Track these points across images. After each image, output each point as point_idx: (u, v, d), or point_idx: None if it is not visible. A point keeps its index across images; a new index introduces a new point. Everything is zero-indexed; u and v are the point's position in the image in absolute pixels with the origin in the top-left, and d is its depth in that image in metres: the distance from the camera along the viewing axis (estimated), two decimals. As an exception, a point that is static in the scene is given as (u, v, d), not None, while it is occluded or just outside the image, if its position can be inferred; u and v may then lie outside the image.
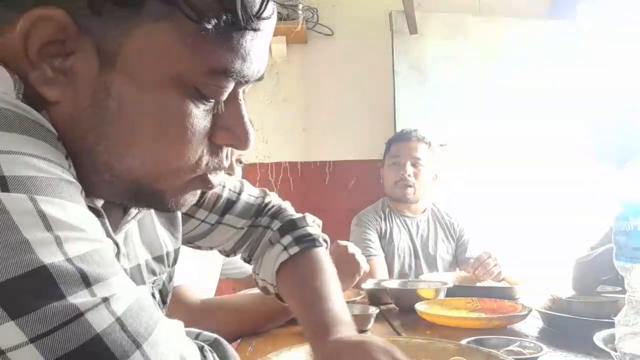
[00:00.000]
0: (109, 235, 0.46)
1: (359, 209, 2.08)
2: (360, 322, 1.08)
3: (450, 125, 2.56)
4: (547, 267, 1.90)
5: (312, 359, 0.72)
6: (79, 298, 0.33)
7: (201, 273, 1.35)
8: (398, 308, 1.32)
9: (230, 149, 0.50)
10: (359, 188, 2.76)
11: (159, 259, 0.65)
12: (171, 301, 0.87)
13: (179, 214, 0.71)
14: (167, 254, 0.66)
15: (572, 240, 2.06)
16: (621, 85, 2.55)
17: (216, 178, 0.50)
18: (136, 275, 0.59)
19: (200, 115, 0.45)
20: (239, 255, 0.91)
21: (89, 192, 0.46)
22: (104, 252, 0.36)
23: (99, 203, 0.50)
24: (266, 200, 0.88)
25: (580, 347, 0.87)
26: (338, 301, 0.75)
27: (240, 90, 0.48)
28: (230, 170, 1.45)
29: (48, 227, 0.33)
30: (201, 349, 0.43)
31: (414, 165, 1.96)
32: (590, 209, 2.25)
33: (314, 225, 0.87)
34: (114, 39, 0.41)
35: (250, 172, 2.67)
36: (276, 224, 0.85)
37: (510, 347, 0.85)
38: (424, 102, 2.60)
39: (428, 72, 2.63)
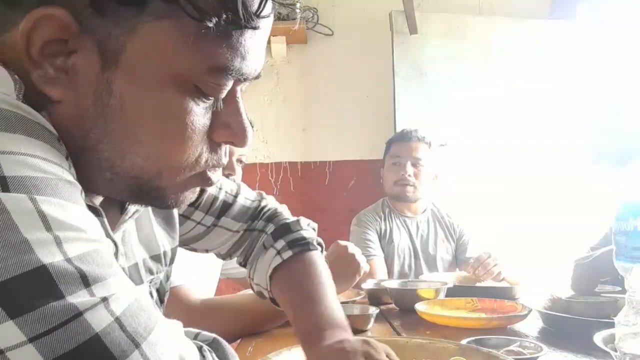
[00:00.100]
0: (108, 234, 0.46)
1: (359, 209, 2.08)
2: (360, 322, 1.08)
3: (450, 125, 2.56)
4: (547, 267, 1.91)
5: None
6: (78, 298, 0.33)
7: (201, 273, 1.35)
8: (398, 308, 1.32)
9: (228, 146, 0.50)
10: (359, 188, 2.76)
11: (156, 258, 0.65)
12: (171, 301, 0.88)
13: (176, 213, 0.71)
14: (164, 253, 0.67)
15: (572, 240, 2.06)
16: (621, 86, 2.55)
17: (215, 175, 0.50)
18: (134, 274, 0.60)
19: (200, 113, 0.46)
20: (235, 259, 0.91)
21: (90, 189, 0.46)
22: (103, 252, 0.36)
23: (98, 201, 0.50)
24: (262, 204, 0.88)
25: (580, 347, 0.87)
26: (331, 304, 0.74)
27: (239, 88, 0.49)
28: (230, 170, 1.45)
29: (48, 227, 0.33)
30: (200, 348, 0.43)
31: (414, 165, 1.96)
32: (590, 209, 2.25)
33: (308, 228, 0.86)
34: (116, 38, 0.41)
35: (250, 172, 2.67)
36: (270, 228, 0.84)
37: (510, 347, 0.85)
38: (424, 102, 2.60)
39: (428, 72, 2.63)
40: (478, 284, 1.49)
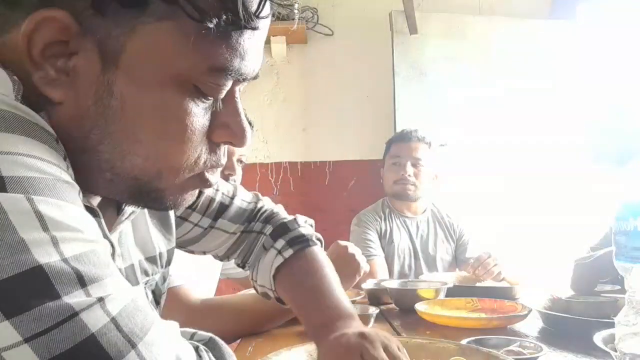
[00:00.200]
0: (105, 235, 0.46)
1: (359, 209, 2.08)
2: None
3: (450, 125, 2.56)
4: (547, 267, 1.91)
5: (314, 357, 0.73)
6: (74, 298, 0.33)
7: (201, 273, 1.35)
8: (398, 308, 1.32)
9: (227, 146, 0.50)
10: (359, 188, 2.76)
11: (151, 260, 0.65)
12: (171, 301, 0.88)
13: (172, 215, 0.72)
14: (160, 254, 0.67)
15: (572, 240, 2.06)
16: (621, 86, 2.55)
17: (213, 177, 0.51)
18: (130, 275, 0.60)
19: (199, 113, 0.46)
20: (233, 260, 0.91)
21: (89, 190, 0.47)
22: (100, 253, 0.36)
23: (95, 202, 0.50)
24: (259, 205, 0.88)
25: (580, 347, 0.87)
26: (337, 296, 0.76)
27: (237, 89, 0.49)
28: (231, 171, 1.45)
29: (44, 227, 0.33)
30: (196, 348, 0.43)
31: (414, 165, 1.96)
32: (590, 209, 2.25)
33: (305, 225, 0.87)
34: (117, 39, 0.41)
35: (250, 172, 2.67)
36: (268, 229, 0.85)
37: (510, 347, 0.85)
38: (424, 102, 2.60)
39: (428, 72, 2.63)
40: (478, 284, 1.49)
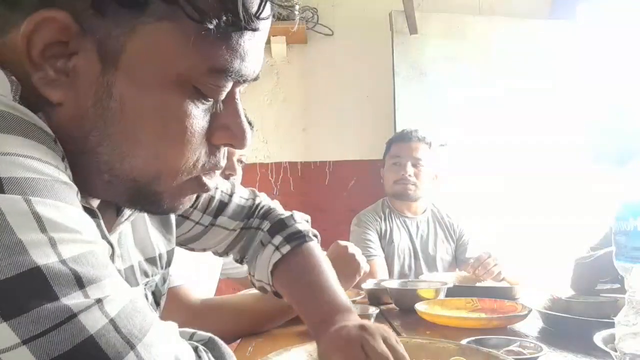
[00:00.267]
0: (104, 236, 0.46)
1: (359, 209, 2.08)
2: (360, 322, 1.08)
3: (450, 125, 2.56)
4: (547, 267, 1.91)
5: (314, 357, 0.73)
6: (73, 299, 0.32)
7: (201, 273, 1.35)
8: (398, 308, 1.32)
9: (227, 148, 0.50)
10: (359, 188, 2.76)
11: (151, 261, 0.65)
12: (171, 301, 0.88)
13: (172, 216, 0.72)
14: (160, 255, 0.67)
15: (572, 240, 2.06)
16: (621, 86, 2.55)
17: (211, 181, 0.50)
18: (130, 276, 0.60)
19: (199, 115, 0.45)
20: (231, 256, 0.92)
21: (88, 192, 0.46)
22: (98, 254, 0.36)
23: (95, 203, 0.50)
24: (256, 202, 0.89)
25: (580, 347, 0.86)
26: (335, 291, 0.77)
27: (237, 90, 0.49)
28: (231, 171, 1.46)
29: (42, 229, 0.33)
30: (195, 349, 0.43)
31: (414, 165, 1.96)
32: (590, 209, 2.25)
33: (302, 221, 0.88)
34: (117, 39, 0.41)
35: (250, 172, 2.67)
36: (266, 225, 0.86)
37: (510, 347, 0.84)
38: (424, 102, 2.60)
39: (428, 72, 2.63)
40: (478, 284, 1.49)
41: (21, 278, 0.31)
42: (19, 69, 0.40)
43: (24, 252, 0.32)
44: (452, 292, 1.33)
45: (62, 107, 0.42)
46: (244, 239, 0.88)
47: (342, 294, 0.77)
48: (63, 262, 0.33)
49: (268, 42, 2.70)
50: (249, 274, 0.89)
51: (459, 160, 2.51)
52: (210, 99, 0.46)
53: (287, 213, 0.89)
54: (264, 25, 0.46)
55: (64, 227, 0.34)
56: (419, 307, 1.16)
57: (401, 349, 0.64)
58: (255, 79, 0.48)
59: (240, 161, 1.51)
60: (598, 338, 0.79)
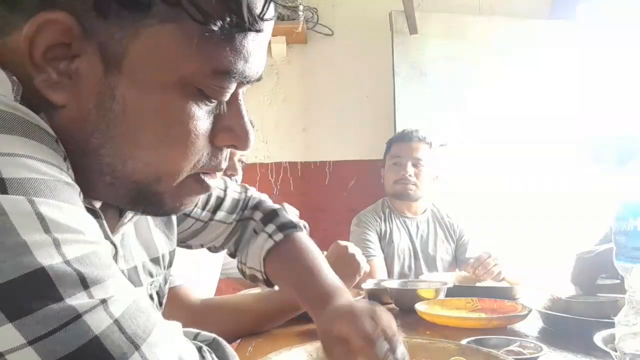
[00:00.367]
0: (107, 236, 0.46)
1: (359, 209, 2.08)
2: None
3: (450, 125, 2.56)
4: (547, 267, 1.91)
5: (314, 357, 0.73)
6: (77, 300, 0.32)
7: (201, 273, 1.35)
8: (398, 308, 1.32)
9: (230, 150, 0.50)
10: (359, 188, 2.76)
11: (155, 261, 0.65)
12: (171, 301, 0.88)
13: (174, 216, 0.72)
14: (163, 255, 0.67)
15: (571, 240, 2.06)
16: (620, 86, 2.55)
17: (213, 180, 0.50)
18: (133, 277, 0.60)
19: (203, 117, 0.45)
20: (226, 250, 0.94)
21: (89, 193, 0.46)
22: (102, 254, 0.36)
23: (97, 204, 0.50)
24: (248, 194, 0.92)
25: (580, 347, 0.87)
26: (330, 273, 0.79)
27: (241, 91, 0.49)
28: (233, 171, 1.46)
29: (46, 229, 0.33)
30: (199, 349, 0.43)
31: (415, 165, 1.95)
32: (590, 210, 2.25)
33: (292, 213, 0.91)
34: (120, 41, 0.41)
35: (250, 172, 2.67)
36: (258, 215, 0.89)
37: (510, 347, 0.85)
38: (424, 102, 2.59)
39: (428, 72, 2.63)
40: (478, 284, 1.49)
41: (26, 279, 0.31)
42: (21, 70, 0.40)
43: (28, 253, 0.32)
44: (452, 292, 1.33)
45: (65, 109, 0.42)
46: (239, 231, 0.90)
47: (335, 277, 0.79)
48: (67, 262, 0.33)
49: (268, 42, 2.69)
50: (239, 262, 0.90)
51: (459, 160, 2.51)
52: (213, 101, 0.46)
53: (277, 205, 0.92)
54: (267, 26, 0.46)
55: (68, 227, 0.34)
56: (419, 307, 1.16)
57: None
58: (258, 79, 0.48)
59: (240, 161, 1.52)
60: (598, 338, 0.79)
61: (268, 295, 1.10)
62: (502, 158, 2.57)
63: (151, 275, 0.64)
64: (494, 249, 1.58)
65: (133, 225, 0.61)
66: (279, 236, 0.84)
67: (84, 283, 0.33)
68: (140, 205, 0.48)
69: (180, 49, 0.42)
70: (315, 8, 2.75)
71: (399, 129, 2.37)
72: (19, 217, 0.32)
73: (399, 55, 2.60)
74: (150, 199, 0.47)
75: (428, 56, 2.63)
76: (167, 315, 0.42)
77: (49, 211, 0.34)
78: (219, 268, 1.54)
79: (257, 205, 0.91)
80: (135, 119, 0.43)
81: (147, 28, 0.41)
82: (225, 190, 0.87)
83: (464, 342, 0.83)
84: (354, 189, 2.78)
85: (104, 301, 0.34)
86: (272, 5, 0.45)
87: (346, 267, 1.19)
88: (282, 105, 2.82)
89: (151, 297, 0.65)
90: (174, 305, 1.02)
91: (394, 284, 1.46)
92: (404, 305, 1.28)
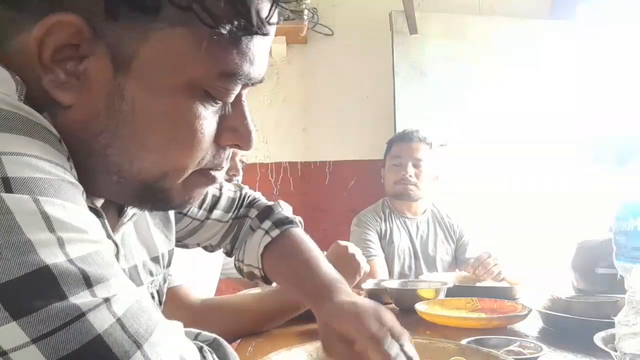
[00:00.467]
0: (109, 236, 0.46)
1: (359, 209, 2.08)
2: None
3: (450, 125, 2.56)
4: (547, 267, 1.90)
5: (314, 357, 0.73)
6: (81, 298, 0.33)
7: (201, 273, 1.35)
8: (398, 308, 1.32)
9: (232, 150, 0.51)
10: (359, 188, 2.76)
11: (155, 260, 0.66)
12: (171, 301, 0.88)
13: (172, 215, 0.73)
14: (162, 255, 0.68)
15: (571, 240, 2.06)
16: (620, 86, 2.55)
17: (219, 173, 0.51)
18: (134, 276, 0.60)
19: (209, 118, 0.46)
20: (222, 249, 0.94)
21: (94, 192, 0.47)
22: (105, 253, 0.37)
23: (99, 204, 0.50)
24: (243, 192, 0.93)
25: (580, 347, 0.87)
26: (326, 266, 0.80)
27: (244, 92, 0.50)
28: (235, 171, 1.46)
29: (50, 228, 0.33)
30: (200, 349, 0.43)
31: (415, 166, 1.95)
32: (589, 210, 2.25)
33: (287, 210, 0.92)
34: (130, 43, 0.42)
35: (250, 172, 2.67)
36: (253, 212, 0.90)
37: (510, 347, 0.85)
38: (424, 102, 2.59)
39: (428, 72, 2.63)
40: (478, 284, 1.49)
41: (30, 277, 0.31)
42: (26, 70, 0.41)
43: (32, 251, 0.32)
44: (452, 292, 1.34)
45: (71, 110, 0.42)
46: (234, 229, 0.91)
47: (332, 269, 0.80)
48: (71, 261, 0.33)
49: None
50: (236, 259, 0.91)
51: (458, 160, 2.51)
52: (219, 102, 0.47)
53: (271, 202, 0.93)
54: (272, 30, 0.47)
55: (72, 226, 0.35)
56: (419, 307, 1.16)
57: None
58: (261, 81, 0.49)
59: (240, 161, 1.51)
60: (598, 338, 0.79)
61: (268, 295, 1.10)
62: (502, 158, 2.57)
63: (151, 274, 0.65)
64: (494, 249, 1.58)
65: (133, 224, 0.61)
66: (275, 232, 0.84)
67: (88, 282, 0.34)
68: (147, 202, 0.49)
69: (190, 52, 0.43)
70: (315, 8, 2.75)
71: (399, 129, 2.37)
72: (24, 215, 0.32)
73: (399, 55, 2.60)
74: (158, 196, 0.48)
75: (428, 56, 2.63)
76: (167, 315, 0.42)
77: (53, 210, 0.34)
78: (219, 268, 1.54)
79: (252, 203, 0.92)
80: (144, 119, 0.43)
81: (156, 31, 0.42)
82: (220, 189, 0.88)
83: (464, 342, 0.83)
84: (354, 189, 2.78)
85: (107, 300, 0.34)
86: (278, 9, 0.46)
87: (346, 267, 1.18)
88: (282, 105, 2.82)
89: (152, 296, 0.65)
90: (174, 305, 1.02)
91: (394, 284, 1.46)
92: (404, 305, 1.28)
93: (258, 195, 0.95)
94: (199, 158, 0.47)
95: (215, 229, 0.88)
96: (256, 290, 1.23)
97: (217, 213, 0.87)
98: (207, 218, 0.86)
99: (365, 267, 1.22)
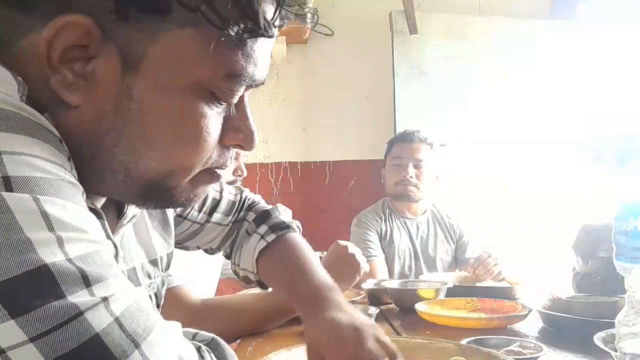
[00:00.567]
0: (108, 236, 0.46)
1: (359, 209, 2.08)
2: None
3: (450, 125, 2.56)
4: (547, 267, 1.90)
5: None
6: (79, 297, 0.33)
7: (201, 273, 1.35)
8: (398, 308, 1.32)
9: (235, 149, 0.52)
10: (359, 188, 2.76)
11: (153, 263, 0.66)
12: (171, 301, 0.88)
13: (171, 218, 0.73)
14: (161, 257, 0.68)
15: (571, 240, 2.05)
16: (620, 86, 2.55)
17: (223, 170, 0.52)
18: (132, 278, 0.60)
19: (215, 118, 0.47)
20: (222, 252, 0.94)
21: (99, 191, 0.48)
22: (104, 253, 0.37)
23: (99, 204, 0.50)
24: (243, 196, 0.93)
25: (580, 347, 0.87)
26: (321, 273, 0.79)
27: (246, 94, 0.50)
28: (241, 172, 1.46)
29: (50, 227, 0.33)
30: (198, 349, 0.43)
31: (416, 166, 1.95)
32: (589, 210, 2.25)
33: (285, 214, 0.91)
34: (139, 44, 0.42)
35: (250, 172, 2.66)
36: (251, 216, 0.90)
37: (510, 347, 0.85)
38: (424, 102, 2.59)
39: (428, 72, 2.62)
40: (478, 284, 1.49)
41: (29, 276, 0.31)
42: (33, 71, 0.41)
43: (32, 250, 0.32)
44: (452, 292, 1.34)
45: (79, 109, 0.43)
46: (234, 232, 0.91)
47: (327, 276, 0.79)
48: (70, 260, 0.33)
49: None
50: (233, 263, 0.91)
51: (459, 161, 2.51)
52: (223, 103, 0.47)
53: (270, 206, 0.93)
54: (276, 32, 0.48)
55: (71, 226, 0.35)
56: (419, 307, 1.16)
57: (392, 345, 0.65)
58: (263, 83, 0.50)
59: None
60: (598, 338, 0.79)
61: (268, 295, 1.10)
62: (502, 158, 2.57)
63: (149, 277, 0.65)
64: (494, 249, 1.58)
65: (132, 226, 0.62)
66: (271, 237, 0.84)
67: (86, 281, 0.34)
68: (152, 200, 0.49)
69: (198, 53, 0.43)
70: (315, 8, 2.74)
71: (399, 129, 2.37)
72: (24, 214, 0.33)
73: (399, 55, 2.60)
74: (164, 194, 0.48)
75: (428, 56, 2.63)
76: (167, 315, 0.42)
77: (53, 209, 0.34)
78: (219, 268, 1.54)
79: (251, 206, 0.92)
80: (152, 118, 0.44)
81: (166, 32, 0.42)
82: (221, 192, 0.88)
83: (464, 342, 0.83)
84: (354, 189, 2.78)
85: (105, 299, 0.34)
86: (282, 12, 0.46)
87: (346, 267, 1.19)
88: (282, 105, 2.82)
89: (150, 298, 0.65)
90: (174, 305, 1.02)
91: (394, 284, 1.46)
92: (404, 305, 1.28)
93: (258, 198, 0.94)
94: (206, 157, 0.48)
95: (215, 232, 0.88)
96: (256, 291, 1.23)
97: (217, 216, 0.87)
98: (207, 221, 0.86)
99: (365, 267, 1.22)
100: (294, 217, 0.96)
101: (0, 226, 0.32)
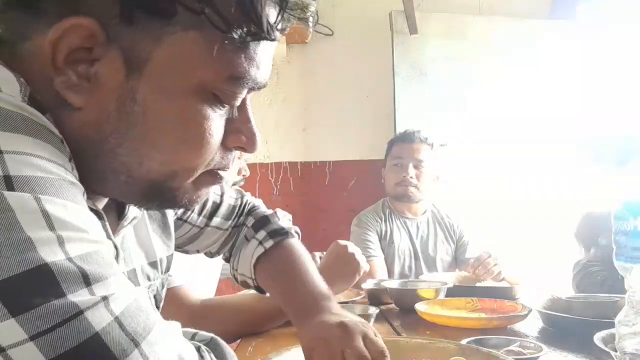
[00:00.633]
0: (109, 237, 0.46)
1: (359, 209, 2.08)
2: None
3: (450, 125, 2.56)
4: (547, 267, 1.91)
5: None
6: (79, 296, 0.33)
7: (201, 273, 1.35)
8: (398, 308, 1.32)
9: (237, 151, 0.52)
10: (359, 188, 2.76)
11: (153, 265, 0.66)
12: (171, 301, 0.88)
13: (171, 221, 0.73)
14: (160, 260, 0.68)
15: (571, 240, 2.05)
16: (620, 86, 2.55)
17: (225, 172, 0.52)
18: (132, 279, 0.61)
19: (217, 120, 0.47)
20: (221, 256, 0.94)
21: (101, 192, 0.48)
22: (104, 253, 0.37)
23: (100, 205, 0.50)
24: (244, 200, 0.92)
25: (580, 347, 0.87)
26: (317, 281, 0.80)
27: (249, 96, 0.51)
28: (245, 171, 1.47)
29: (51, 227, 0.34)
30: (198, 349, 0.43)
31: (416, 167, 1.95)
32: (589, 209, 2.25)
33: (284, 219, 0.91)
34: (144, 47, 0.42)
35: (250, 172, 2.66)
36: (250, 221, 0.90)
37: (510, 347, 0.85)
38: (424, 102, 2.59)
39: (428, 72, 2.62)
40: (478, 284, 1.49)
41: (29, 275, 0.32)
42: (37, 72, 0.41)
43: (32, 249, 0.32)
44: (452, 292, 1.34)
45: (82, 111, 0.43)
46: (234, 237, 0.91)
47: (323, 284, 0.80)
48: (70, 259, 0.34)
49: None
50: (231, 268, 0.91)
51: (459, 161, 2.51)
52: (226, 105, 0.48)
53: (270, 210, 0.93)
54: (279, 36, 0.48)
55: (72, 225, 0.35)
56: (419, 307, 1.16)
57: (380, 343, 0.65)
58: (265, 85, 0.50)
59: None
60: (598, 338, 0.79)
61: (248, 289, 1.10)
62: (502, 158, 2.57)
63: (149, 279, 0.65)
64: (494, 249, 1.58)
65: (133, 228, 0.62)
66: (269, 243, 0.85)
67: (86, 280, 0.34)
68: (155, 201, 0.50)
69: (201, 56, 0.43)
70: (315, 9, 2.74)
71: (399, 129, 2.37)
72: (25, 214, 0.33)
73: (399, 55, 2.60)
74: (166, 195, 0.48)
75: (428, 56, 2.63)
76: (167, 315, 0.43)
77: (54, 209, 0.34)
78: (219, 268, 1.54)
79: (250, 211, 0.91)
80: (155, 120, 0.44)
81: (170, 35, 0.43)
82: (221, 196, 0.88)
83: (464, 342, 0.83)
84: (354, 189, 2.78)
85: (105, 298, 0.34)
86: (286, 15, 0.47)
87: (346, 266, 1.19)
88: (282, 105, 2.82)
89: (150, 299, 0.65)
90: (174, 305, 1.02)
91: (394, 284, 1.46)
92: (404, 305, 1.28)
93: (258, 202, 0.94)
94: (208, 159, 0.48)
95: (214, 236, 0.88)
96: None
97: (216, 220, 0.87)
98: (207, 225, 0.86)
99: (364, 266, 1.22)
100: (294, 217, 0.97)
101: (1, 225, 0.32)
